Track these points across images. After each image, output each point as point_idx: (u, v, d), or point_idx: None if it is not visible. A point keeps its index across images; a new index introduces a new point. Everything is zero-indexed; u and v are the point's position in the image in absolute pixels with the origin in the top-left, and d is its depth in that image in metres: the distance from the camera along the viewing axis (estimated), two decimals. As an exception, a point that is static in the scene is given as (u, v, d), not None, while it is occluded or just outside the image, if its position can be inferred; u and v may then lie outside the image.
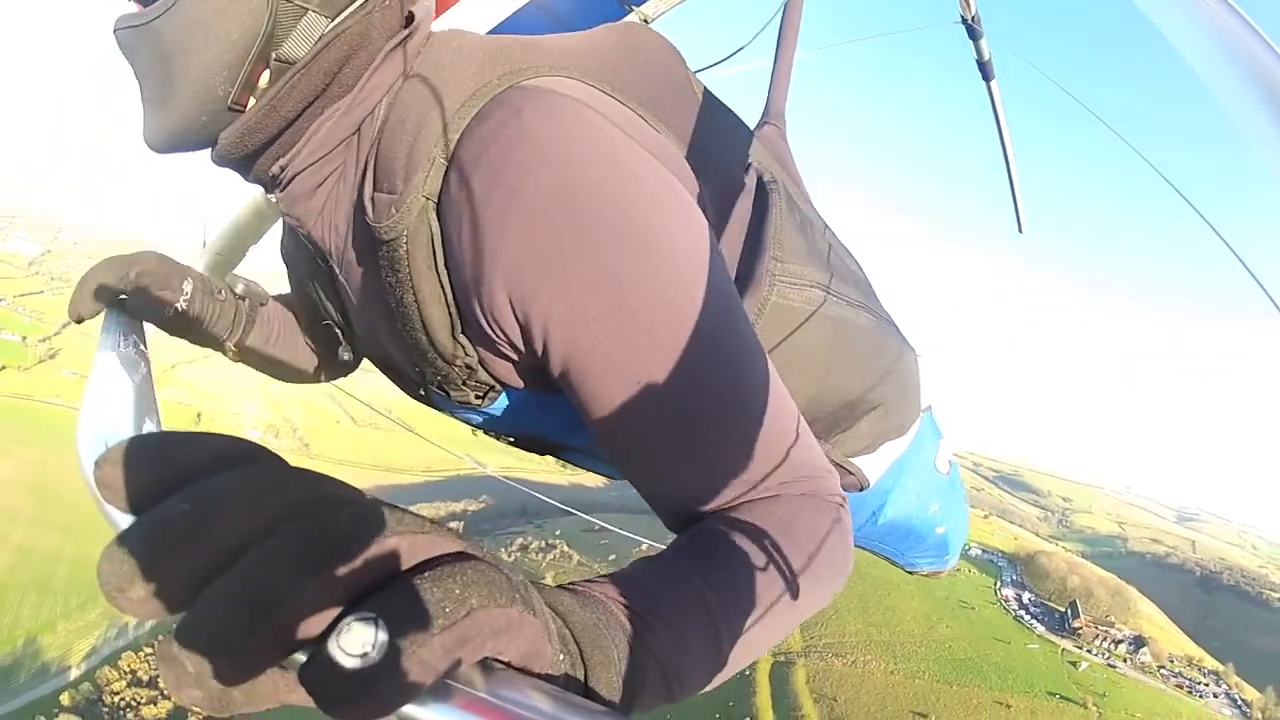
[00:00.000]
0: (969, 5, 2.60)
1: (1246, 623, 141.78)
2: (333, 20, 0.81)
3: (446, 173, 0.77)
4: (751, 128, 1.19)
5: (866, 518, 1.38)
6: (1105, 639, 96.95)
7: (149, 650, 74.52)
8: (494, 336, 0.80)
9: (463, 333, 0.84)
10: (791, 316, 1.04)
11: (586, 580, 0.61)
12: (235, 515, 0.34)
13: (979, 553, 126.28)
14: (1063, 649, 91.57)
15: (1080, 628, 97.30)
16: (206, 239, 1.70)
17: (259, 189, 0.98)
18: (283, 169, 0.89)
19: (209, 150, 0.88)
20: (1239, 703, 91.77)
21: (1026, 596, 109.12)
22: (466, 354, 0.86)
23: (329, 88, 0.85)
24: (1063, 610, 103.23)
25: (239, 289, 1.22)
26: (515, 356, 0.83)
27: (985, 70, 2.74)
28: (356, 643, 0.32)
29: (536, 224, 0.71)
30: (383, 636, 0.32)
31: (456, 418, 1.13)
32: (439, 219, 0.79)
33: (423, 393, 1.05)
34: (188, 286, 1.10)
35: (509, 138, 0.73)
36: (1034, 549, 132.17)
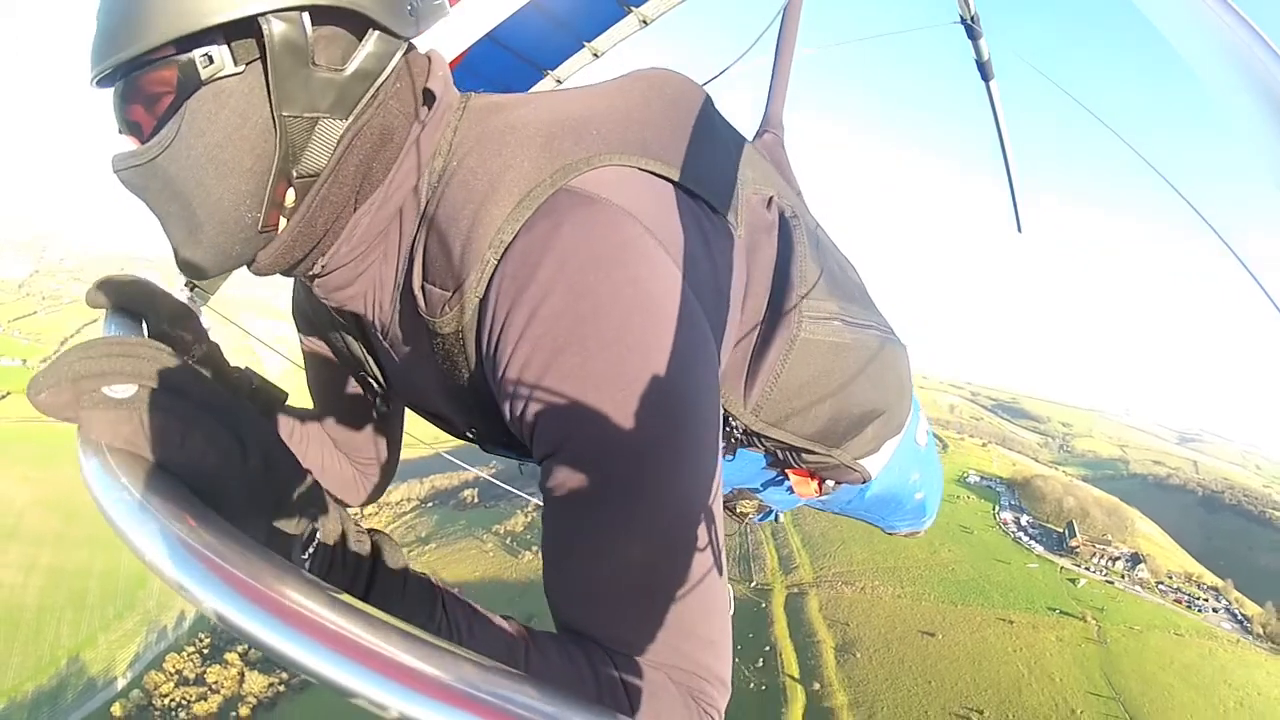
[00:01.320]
0: (968, 5, 2.61)
1: (1250, 542, 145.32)
2: (347, 120, 0.80)
3: (493, 274, 0.78)
4: (750, 139, 1.21)
5: (856, 494, 1.47)
6: (1103, 557, 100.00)
7: (191, 649, 77.90)
8: (509, 418, 0.81)
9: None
10: (816, 350, 1.10)
11: (437, 583, 0.72)
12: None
13: (977, 479, 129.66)
14: (1061, 567, 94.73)
15: (1077, 546, 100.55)
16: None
17: None
18: (323, 266, 0.90)
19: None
20: (1239, 617, 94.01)
21: (1024, 519, 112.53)
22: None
23: (363, 185, 0.85)
24: (1060, 531, 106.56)
25: (254, 383, 1.15)
26: (522, 437, 0.82)
27: (984, 70, 2.75)
28: (121, 390, 0.53)
29: (541, 348, 0.74)
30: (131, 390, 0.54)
31: (513, 459, 1.18)
32: (486, 310, 0.80)
33: (471, 435, 1.10)
34: (197, 350, 1.03)
35: (540, 254, 0.75)
36: (1031, 474, 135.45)
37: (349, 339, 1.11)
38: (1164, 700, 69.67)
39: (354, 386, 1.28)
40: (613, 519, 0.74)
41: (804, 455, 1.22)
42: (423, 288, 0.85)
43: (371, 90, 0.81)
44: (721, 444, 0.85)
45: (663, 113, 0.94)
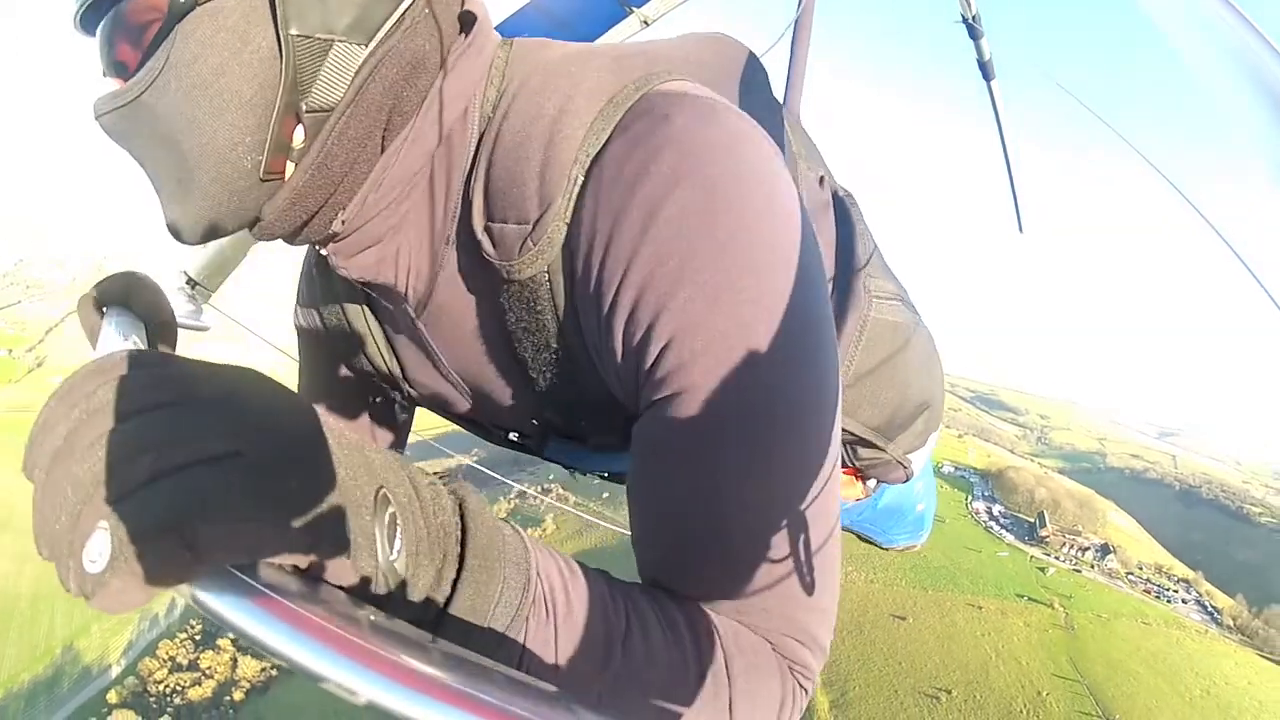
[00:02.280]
0: (969, 5, 2.54)
1: (1227, 536, 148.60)
2: (368, 46, 0.67)
3: (582, 191, 0.66)
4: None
5: (869, 504, 1.39)
6: (1073, 547, 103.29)
7: (183, 635, 79.44)
8: (615, 364, 0.69)
9: (601, 371, 0.73)
10: (887, 330, 1.04)
11: (527, 537, 0.60)
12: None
13: (951, 470, 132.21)
14: (1031, 556, 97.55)
15: (1048, 536, 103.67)
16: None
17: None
18: (344, 222, 0.75)
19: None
20: (1209, 609, 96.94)
21: (996, 509, 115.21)
22: (606, 397, 0.76)
23: (389, 121, 0.71)
24: (1031, 521, 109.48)
25: None
26: (631, 385, 0.69)
27: (985, 70, 2.67)
28: (94, 550, 0.36)
29: (671, 249, 0.62)
30: (108, 545, 0.36)
31: (566, 463, 1.08)
32: (576, 234, 0.67)
33: (516, 438, 0.98)
34: None
35: (652, 147, 0.64)
36: (1005, 465, 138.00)
37: (365, 342, 0.97)
38: (1129, 685, 72.30)
39: (357, 394, 1.14)
40: (744, 461, 0.63)
41: (859, 451, 1.16)
42: (486, 229, 0.71)
43: (399, 11, 0.68)
44: None
45: (727, 68, 0.87)
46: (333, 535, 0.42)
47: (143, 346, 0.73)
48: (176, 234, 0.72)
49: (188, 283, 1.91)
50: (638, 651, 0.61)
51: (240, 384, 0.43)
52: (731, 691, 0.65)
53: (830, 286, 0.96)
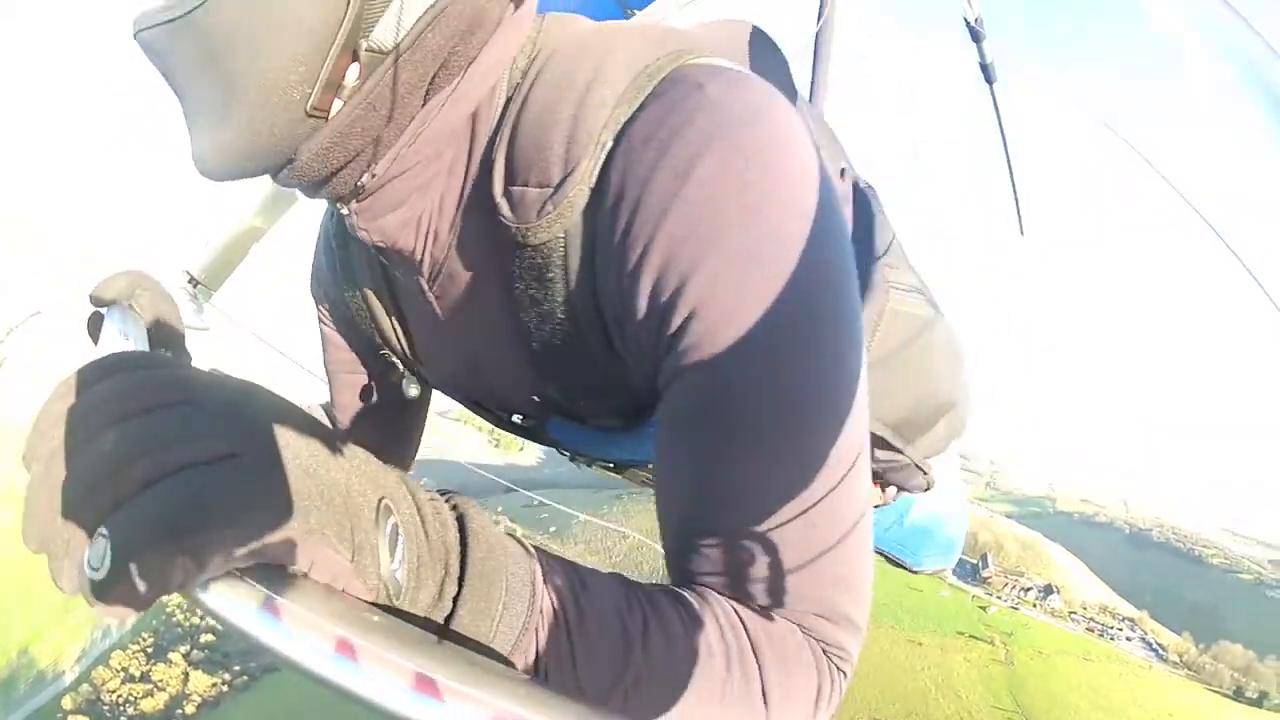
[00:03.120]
0: (972, 7, 2.49)
1: (1178, 578, 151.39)
2: None
3: (610, 155, 0.64)
4: None
5: (895, 520, 1.37)
6: (1015, 587, 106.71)
7: (135, 647, 79.77)
8: (635, 333, 0.67)
9: (614, 343, 0.72)
10: (904, 322, 1.02)
11: (535, 546, 0.58)
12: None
13: None
14: (973, 595, 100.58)
15: (990, 577, 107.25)
16: (209, 236, 1.64)
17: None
18: (374, 176, 0.71)
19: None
20: (1153, 645, 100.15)
21: None
22: (615, 375, 0.74)
23: (438, 75, 0.68)
24: (974, 562, 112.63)
25: None
26: (653, 355, 0.67)
27: (988, 73, 2.62)
28: (95, 557, 0.36)
29: (702, 212, 0.60)
30: (109, 553, 0.36)
31: (567, 448, 1.07)
32: (600, 202, 0.65)
33: (520, 420, 0.96)
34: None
35: (685, 114, 0.62)
36: None
37: (375, 304, 0.97)
38: (1070, 718, 75.34)
39: (375, 371, 1.13)
40: (770, 436, 0.61)
41: (875, 452, 1.12)
42: (507, 193, 0.69)
43: None
44: None
45: (752, 54, 0.85)
46: (335, 541, 0.42)
47: (144, 346, 0.73)
48: (204, 169, 0.67)
49: (189, 282, 1.80)
50: (658, 651, 0.59)
51: (240, 390, 0.44)
52: (764, 681, 0.63)
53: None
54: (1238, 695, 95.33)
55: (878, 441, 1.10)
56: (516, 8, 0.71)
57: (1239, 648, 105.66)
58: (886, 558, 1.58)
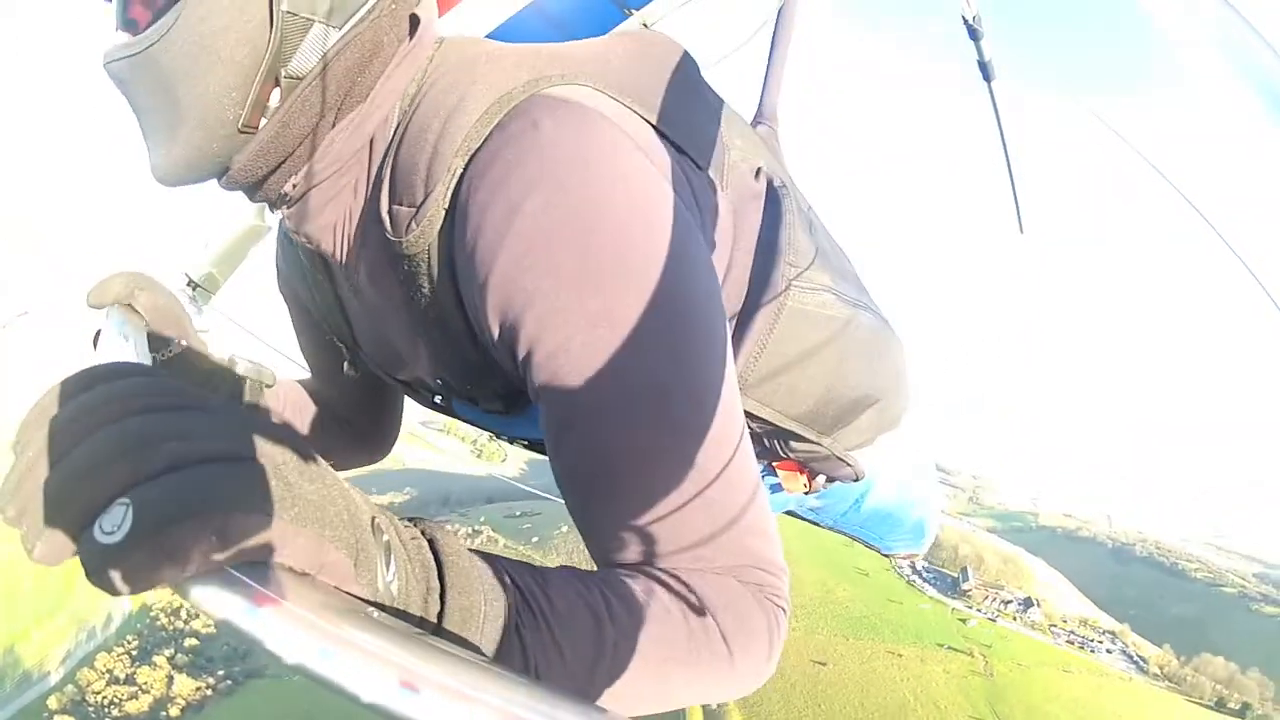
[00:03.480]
0: (970, 5, 2.54)
1: (1161, 592, 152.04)
2: (340, 30, 0.78)
3: (459, 181, 0.76)
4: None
5: (850, 506, 1.42)
6: (995, 600, 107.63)
7: (120, 649, 79.91)
8: (493, 344, 0.78)
9: (480, 341, 0.81)
10: (805, 321, 1.05)
11: (493, 555, 0.62)
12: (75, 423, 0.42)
13: None
14: (953, 608, 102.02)
15: (970, 590, 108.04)
16: (208, 239, 1.67)
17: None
18: (294, 186, 0.86)
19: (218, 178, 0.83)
20: (1134, 658, 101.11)
21: (920, 564, 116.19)
22: (487, 364, 0.84)
23: (344, 100, 0.82)
24: (954, 575, 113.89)
25: (240, 368, 1.11)
26: (511, 366, 0.78)
27: (986, 71, 2.69)
28: (111, 522, 0.36)
29: (531, 245, 0.70)
30: (129, 520, 0.37)
31: (479, 426, 1.15)
32: (453, 221, 0.76)
33: (439, 401, 1.06)
34: (174, 348, 0.98)
35: (520, 150, 0.73)
36: None
37: (321, 304, 1.09)
38: (1048, 729, 75.98)
39: (331, 355, 1.23)
40: (641, 424, 0.70)
41: (792, 443, 1.17)
42: (390, 210, 0.82)
43: (368, 5, 0.79)
44: None
45: (646, 65, 0.92)
46: (342, 546, 0.45)
47: (143, 346, 0.84)
48: (159, 177, 0.81)
49: (188, 284, 1.84)
50: (623, 619, 0.65)
51: (246, 410, 0.50)
52: (721, 629, 0.70)
53: (746, 278, 1.00)
54: (1219, 706, 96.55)
55: (788, 433, 1.14)
56: (411, 39, 0.84)
57: (1221, 660, 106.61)
58: (859, 540, 1.73)
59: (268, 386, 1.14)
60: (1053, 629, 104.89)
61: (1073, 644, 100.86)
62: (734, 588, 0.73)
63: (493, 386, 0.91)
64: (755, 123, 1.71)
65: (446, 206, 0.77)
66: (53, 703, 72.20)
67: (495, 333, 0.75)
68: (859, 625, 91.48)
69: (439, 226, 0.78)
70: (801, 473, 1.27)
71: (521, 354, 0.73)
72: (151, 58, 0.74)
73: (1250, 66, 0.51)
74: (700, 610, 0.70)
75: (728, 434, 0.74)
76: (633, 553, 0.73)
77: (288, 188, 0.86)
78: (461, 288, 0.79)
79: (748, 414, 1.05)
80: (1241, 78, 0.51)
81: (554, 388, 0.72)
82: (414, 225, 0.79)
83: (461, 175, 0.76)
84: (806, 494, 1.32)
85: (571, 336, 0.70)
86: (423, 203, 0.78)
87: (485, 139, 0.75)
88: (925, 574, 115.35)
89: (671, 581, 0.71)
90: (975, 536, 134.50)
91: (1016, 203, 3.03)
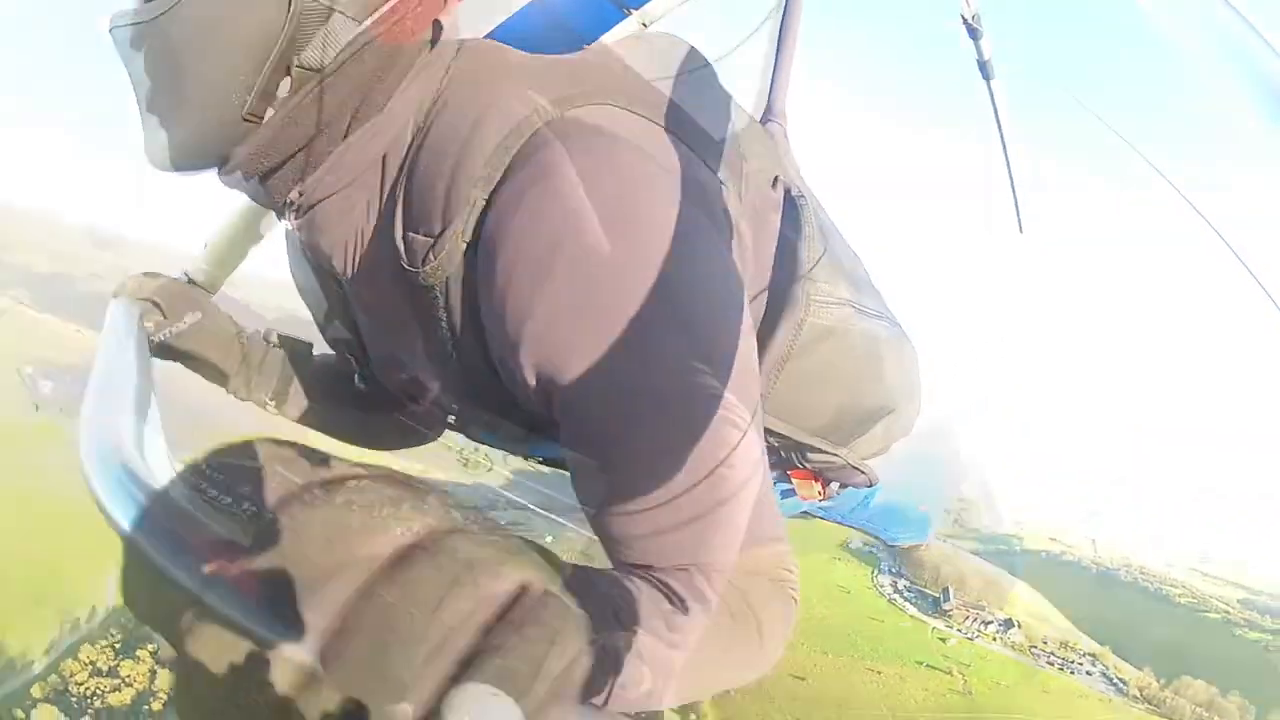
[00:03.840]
0: (969, 4, 2.47)
1: (1145, 616, 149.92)
2: (361, 25, 0.74)
3: (484, 213, 0.73)
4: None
5: (858, 503, 1.52)
6: (975, 620, 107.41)
7: (104, 642, 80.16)
8: (526, 393, 0.76)
9: (501, 377, 0.80)
10: (825, 334, 1.04)
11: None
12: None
13: (859, 545, 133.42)
14: (933, 628, 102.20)
15: (951, 610, 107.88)
16: (208, 238, 1.62)
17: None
18: (301, 194, 0.82)
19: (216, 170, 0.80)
20: (1113, 680, 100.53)
21: (901, 583, 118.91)
22: (509, 400, 0.82)
23: (359, 107, 0.78)
24: (936, 595, 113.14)
25: (273, 339, 1.13)
26: (544, 410, 0.77)
27: (985, 70, 2.62)
28: (463, 713, 0.34)
29: (559, 311, 0.70)
30: (498, 708, 0.34)
31: (496, 447, 1.14)
32: (476, 258, 0.74)
33: (453, 421, 1.06)
34: (190, 318, 1.01)
35: (543, 196, 0.70)
36: (914, 543, 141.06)
37: (335, 315, 1.06)
38: (1026, 749, 75.95)
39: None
40: (677, 470, 0.69)
41: (808, 454, 1.17)
42: (405, 237, 0.78)
43: (392, 1, 0.74)
44: None
45: (660, 71, 0.91)
46: None
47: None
48: (154, 161, 0.77)
49: (188, 284, 1.67)
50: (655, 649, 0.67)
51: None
52: (760, 627, 0.76)
53: (766, 290, 1.00)
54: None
55: (807, 446, 1.16)
56: (431, 49, 0.81)
57: (1201, 683, 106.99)
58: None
59: (306, 353, 1.13)
60: (1033, 650, 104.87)
61: (1053, 665, 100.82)
62: (767, 587, 0.78)
63: (514, 418, 0.88)
64: (764, 120, 1.72)
65: (468, 240, 0.74)
66: (36, 691, 72.74)
67: (530, 384, 0.74)
68: (838, 642, 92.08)
69: (458, 260, 0.75)
70: (816, 480, 1.29)
71: (557, 408, 0.73)
72: (159, 29, 0.70)
73: (1250, 66, 0.51)
74: (743, 607, 0.74)
75: (753, 456, 0.74)
76: (657, 558, 0.73)
77: (293, 194, 0.82)
78: (489, 337, 0.77)
79: (766, 430, 1.04)
80: (1241, 78, 0.50)
81: (591, 439, 0.72)
82: (431, 257, 0.76)
83: (484, 210, 0.73)
84: (820, 500, 1.37)
85: (608, 393, 0.70)
86: (440, 234, 0.75)
87: (506, 169, 0.72)
88: (906, 593, 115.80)
89: (703, 592, 0.71)
90: (958, 557, 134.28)
91: (1016, 203, 2.95)
